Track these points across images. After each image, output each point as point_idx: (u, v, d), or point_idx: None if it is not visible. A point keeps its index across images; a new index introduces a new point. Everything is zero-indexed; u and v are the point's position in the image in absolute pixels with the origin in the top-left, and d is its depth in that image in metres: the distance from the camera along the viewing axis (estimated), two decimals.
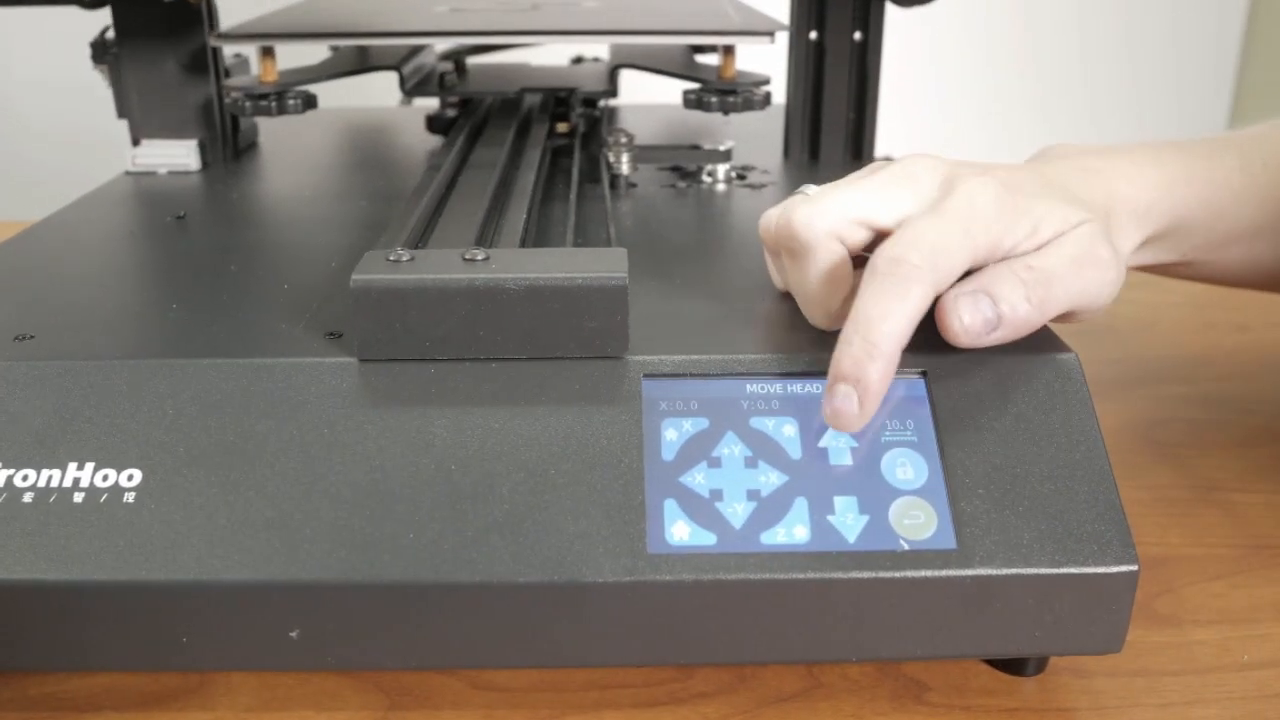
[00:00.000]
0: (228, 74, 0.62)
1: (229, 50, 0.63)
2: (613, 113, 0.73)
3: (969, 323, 0.33)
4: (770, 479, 0.33)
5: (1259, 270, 0.46)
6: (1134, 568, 0.32)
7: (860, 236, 0.35)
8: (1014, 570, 0.31)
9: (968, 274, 0.34)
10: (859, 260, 0.35)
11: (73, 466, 0.32)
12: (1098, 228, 0.36)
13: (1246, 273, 0.46)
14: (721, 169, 0.56)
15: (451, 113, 0.67)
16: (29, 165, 1.42)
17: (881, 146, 0.62)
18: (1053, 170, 0.40)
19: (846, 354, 0.32)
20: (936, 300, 0.34)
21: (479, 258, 0.34)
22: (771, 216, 0.37)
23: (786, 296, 0.39)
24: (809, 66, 0.60)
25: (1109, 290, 0.36)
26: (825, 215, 0.35)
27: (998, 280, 0.34)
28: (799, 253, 0.36)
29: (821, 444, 0.33)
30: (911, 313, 0.32)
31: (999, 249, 0.34)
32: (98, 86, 0.61)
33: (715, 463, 0.33)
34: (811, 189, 0.37)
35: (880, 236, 0.35)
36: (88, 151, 1.05)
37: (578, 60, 0.79)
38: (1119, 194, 0.40)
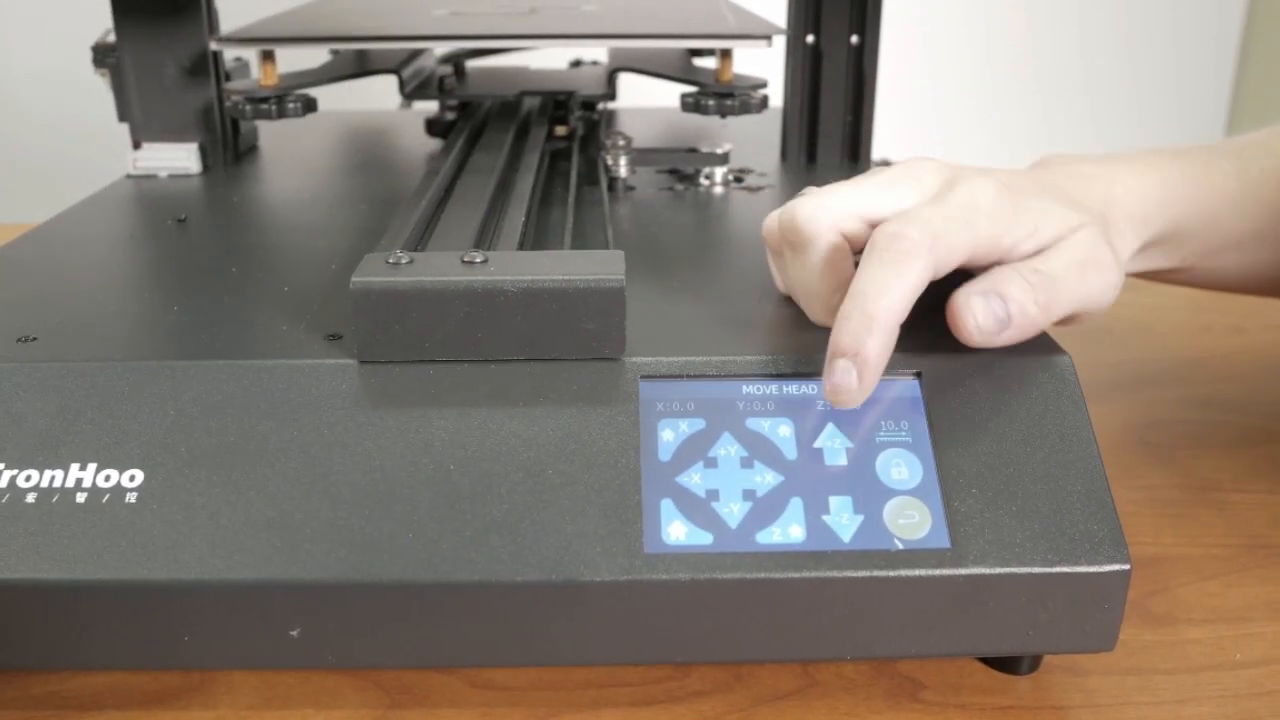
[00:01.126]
0: (228, 77, 0.62)
1: (229, 54, 0.64)
2: (611, 116, 0.74)
3: (982, 321, 0.34)
4: (766, 479, 0.33)
5: (1255, 276, 0.46)
6: (1126, 567, 0.32)
7: (862, 231, 0.36)
8: (1008, 569, 0.32)
9: (968, 276, 0.35)
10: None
11: (75, 467, 0.33)
12: (1097, 230, 0.36)
13: (1242, 279, 0.47)
14: (719, 172, 0.57)
15: (450, 116, 0.67)
16: (30, 166, 1.43)
17: (878, 149, 0.63)
18: (1051, 175, 0.40)
19: (845, 329, 0.32)
20: (948, 300, 0.34)
21: (478, 260, 0.34)
22: (774, 214, 0.38)
23: (786, 300, 0.39)
24: (806, 70, 0.60)
25: (1111, 293, 0.37)
26: (828, 208, 0.35)
27: (1006, 281, 0.34)
28: (801, 245, 0.36)
29: (817, 444, 0.34)
30: (909, 288, 0.33)
31: (998, 245, 0.35)
32: (99, 87, 0.61)
33: (711, 463, 0.33)
34: (812, 188, 0.38)
35: None
36: (89, 152, 1.05)
37: (576, 64, 0.79)
38: (1117, 199, 0.41)
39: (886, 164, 0.67)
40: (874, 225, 0.35)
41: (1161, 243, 0.43)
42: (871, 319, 0.32)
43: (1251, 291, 0.48)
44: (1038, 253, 0.36)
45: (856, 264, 0.36)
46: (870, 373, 0.32)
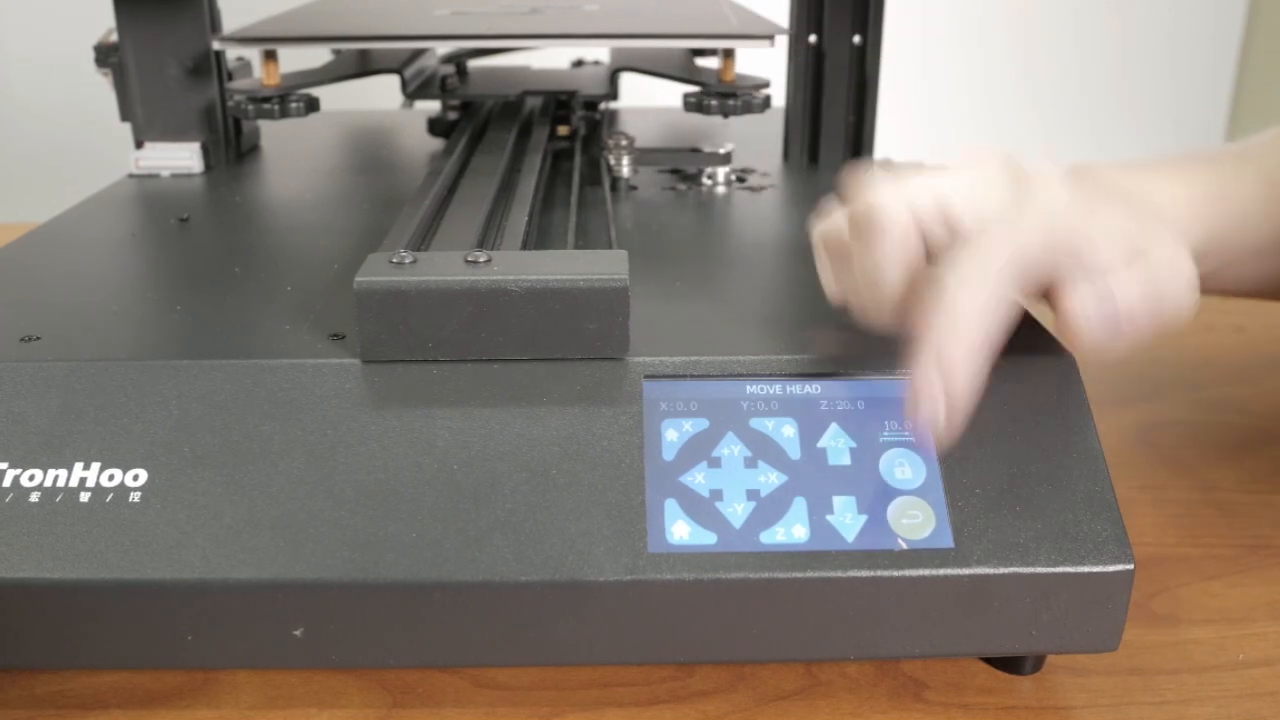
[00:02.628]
0: (230, 77, 0.62)
1: (232, 53, 0.64)
2: (613, 116, 0.74)
3: (1095, 319, 0.32)
4: (770, 479, 0.33)
5: (1270, 283, 0.46)
6: (1129, 567, 0.32)
7: (935, 222, 0.34)
8: (1011, 569, 0.32)
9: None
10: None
11: (79, 466, 0.33)
12: (1177, 243, 0.34)
13: (1258, 286, 0.46)
14: (721, 172, 0.57)
15: (453, 115, 0.67)
16: (32, 166, 1.43)
17: (881, 149, 0.63)
18: (1098, 193, 0.38)
19: (927, 345, 0.31)
20: (1056, 306, 0.32)
21: (481, 260, 0.34)
22: (830, 218, 0.36)
23: (789, 301, 0.39)
24: (808, 70, 0.60)
25: (1186, 304, 0.34)
26: (901, 194, 0.33)
27: (1110, 278, 0.32)
28: (873, 231, 0.34)
29: (820, 444, 0.34)
30: (988, 283, 0.31)
31: (1078, 248, 0.33)
32: (101, 86, 0.61)
33: (715, 463, 0.33)
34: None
35: (950, 235, 0.34)
36: (92, 152, 1.05)
37: (578, 63, 0.79)
38: (1163, 215, 0.39)
39: (889, 164, 0.67)
40: (945, 219, 0.34)
41: (1196, 253, 0.43)
42: (952, 314, 0.31)
43: (1263, 297, 0.48)
44: (1128, 262, 0.33)
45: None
46: (958, 388, 0.31)
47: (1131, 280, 0.32)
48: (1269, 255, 0.44)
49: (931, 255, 0.34)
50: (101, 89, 0.61)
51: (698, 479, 0.33)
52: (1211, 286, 0.46)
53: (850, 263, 0.35)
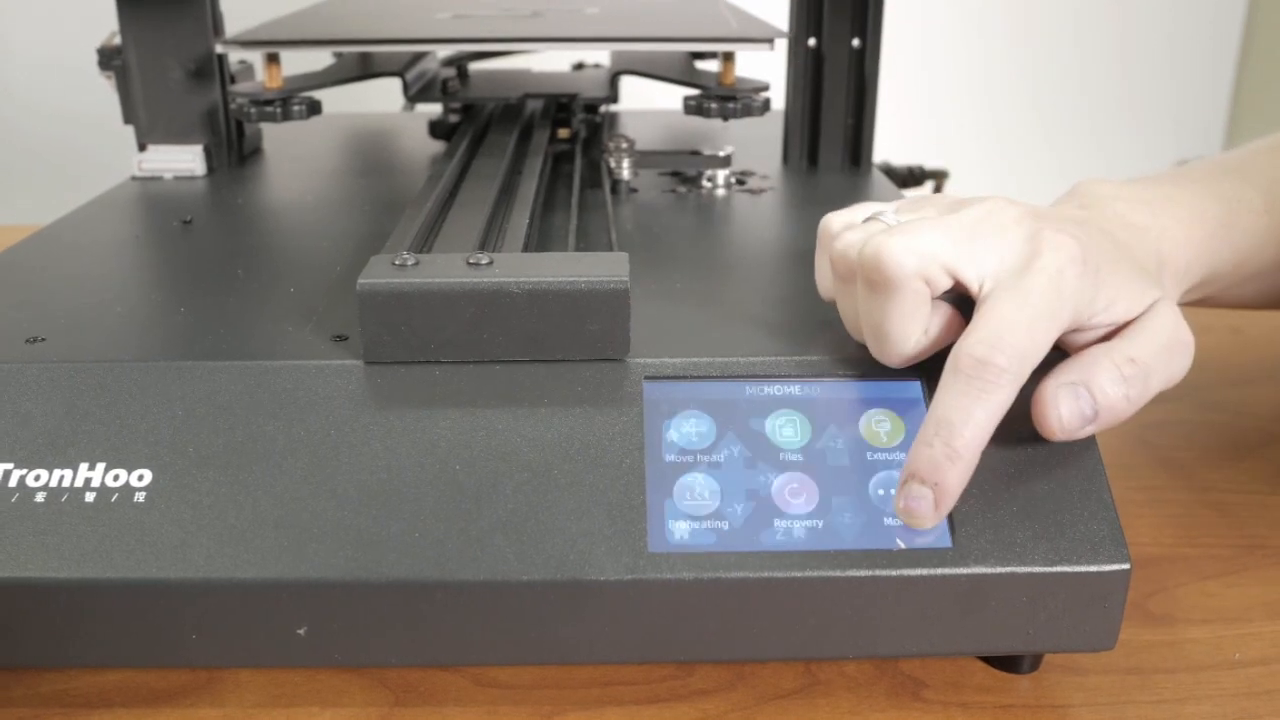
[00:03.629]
0: (233, 80, 0.62)
1: (234, 56, 0.64)
2: (613, 118, 0.74)
3: (1067, 419, 0.33)
4: (769, 479, 0.33)
5: (1268, 300, 0.46)
6: (1126, 566, 0.32)
7: (944, 282, 0.33)
8: (1009, 569, 0.32)
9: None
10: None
11: (84, 467, 0.33)
12: (1169, 305, 0.35)
13: (1251, 302, 0.46)
14: (721, 174, 0.57)
15: (454, 118, 0.68)
16: (35, 168, 1.43)
17: (880, 152, 0.63)
18: (1103, 222, 0.38)
19: (925, 455, 0.32)
20: (1035, 390, 0.33)
21: (483, 262, 0.35)
22: (850, 241, 0.35)
23: (788, 301, 0.39)
24: (808, 73, 0.60)
25: (1184, 373, 0.35)
26: (917, 253, 0.33)
27: (1099, 373, 0.33)
28: (882, 287, 0.33)
29: (820, 445, 0.34)
30: (994, 418, 0.32)
31: (1077, 321, 0.33)
32: (104, 89, 0.62)
33: (715, 463, 0.33)
34: (889, 216, 0.36)
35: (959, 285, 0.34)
36: (94, 154, 1.05)
37: (579, 66, 0.80)
38: (1166, 256, 0.39)
39: (889, 169, 0.67)
40: (954, 278, 0.33)
41: (1196, 288, 0.42)
42: (954, 451, 0.31)
43: (1257, 309, 0.48)
44: (1111, 327, 0.34)
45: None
46: (947, 501, 0.32)
47: (1114, 383, 0.33)
48: (1268, 276, 0.44)
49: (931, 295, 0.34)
50: (104, 92, 0.61)
51: (698, 479, 0.33)
52: (1210, 304, 0.46)
53: (853, 293, 0.35)
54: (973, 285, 0.33)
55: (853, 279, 0.35)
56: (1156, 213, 0.40)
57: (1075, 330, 0.34)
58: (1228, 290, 0.44)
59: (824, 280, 0.37)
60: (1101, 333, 0.34)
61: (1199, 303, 0.45)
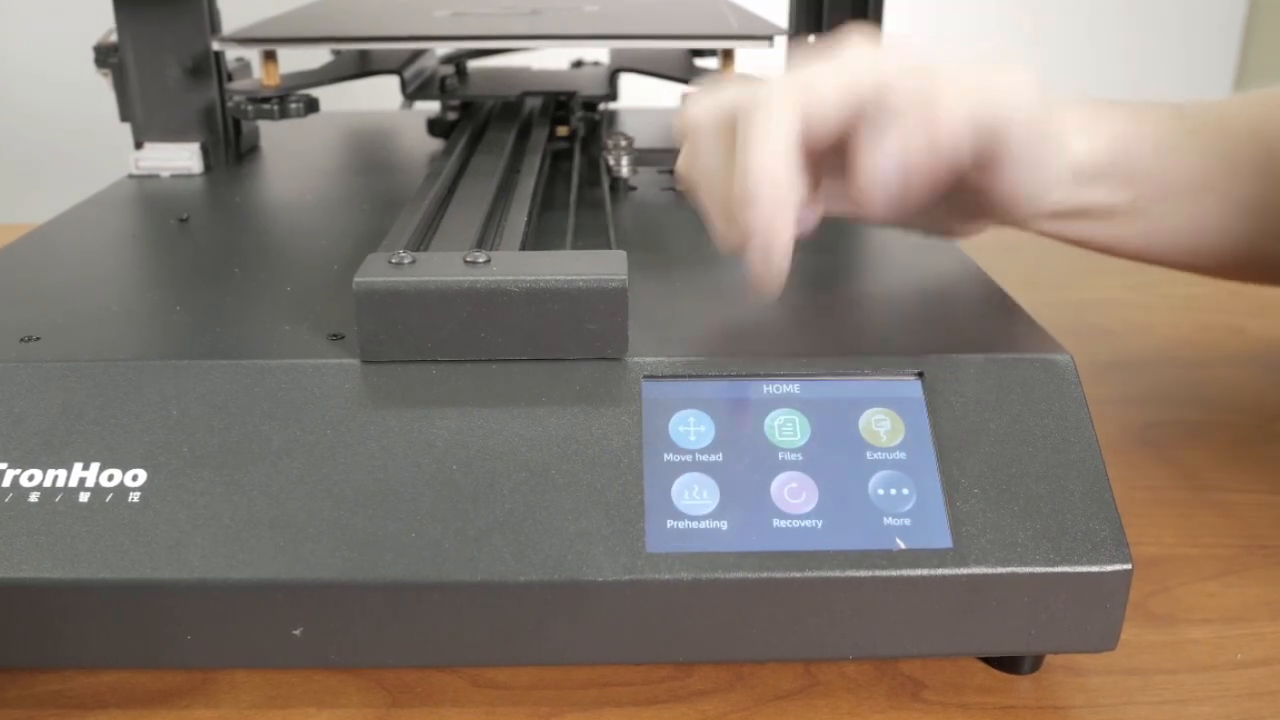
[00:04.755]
0: (230, 78, 0.62)
1: (231, 54, 0.64)
2: (612, 116, 0.74)
3: (874, 168, 0.32)
4: (768, 479, 0.33)
5: (1206, 236, 0.45)
6: (1128, 567, 0.32)
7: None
8: (1009, 569, 0.32)
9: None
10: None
11: (78, 466, 0.33)
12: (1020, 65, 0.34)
13: (1196, 239, 0.45)
14: None
15: (452, 116, 0.67)
16: (32, 166, 1.43)
17: None
18: None
19: (736, 218, 0.31)
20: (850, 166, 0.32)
21: (480, 260, 0.34)
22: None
23: (788, 301, 0.39)
24: None
25: (1024, 97, 0.33)
26: (723, 95, 0.34)
27: (889, 102, 0.32)
28: (695, 138, 0.34)
29: (819, 444, 0.34)
30: (778, 139, 0.31)
31: (893, 88, 0.32)
32: (101, 87, 0.61)
33: (714, 463, 0.33)
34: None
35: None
36: (91, 152, 1.05)
37: (578, 64, 0.79)
38: (1066, 115, 0.39)
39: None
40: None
41: (1110, 174, 0.41)
42: (752, 189, 0.31)
43: (1212, 263, 0.47)
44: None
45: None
46: (777, 249, 0.31)
47: (917, 125, 0.31)
48: (1200, 199, 0.43)
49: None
50: (101, 89, 0.61)
51: (696, 479, 0.33)
52: (1153, 240, 0.45)
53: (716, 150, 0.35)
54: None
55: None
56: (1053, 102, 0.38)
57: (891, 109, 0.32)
58: (1157, 203, 0.43)
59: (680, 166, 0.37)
60: None
61: (1138, 227, 0.44)
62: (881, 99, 0.32)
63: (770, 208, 0.31)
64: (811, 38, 0.60)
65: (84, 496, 0.32)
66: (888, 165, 0.32)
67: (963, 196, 0.37)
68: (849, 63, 0.32)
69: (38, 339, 0.36)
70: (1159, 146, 0.42)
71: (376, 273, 0.34)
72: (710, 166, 0.34)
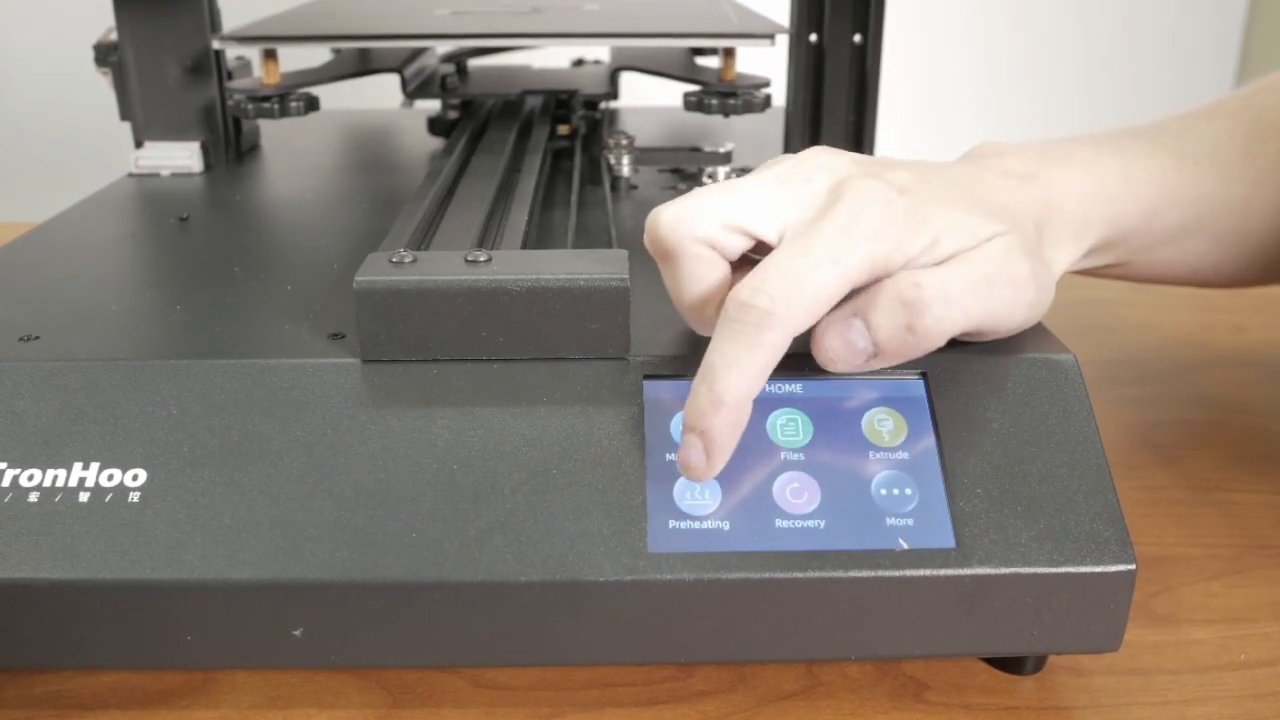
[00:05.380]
0: (230, 76, 0.62)
1: (231, 53, 0.63)
2: (613, 115, 0.74)
3: (835, 353, 0.33)
4: (770, 479, 0.33)
5: (1188, 268, 0.45)
6: (1131, 567, 0.32)
7: (737, 244, 0.33)
8: (1012, 569, 0.32)
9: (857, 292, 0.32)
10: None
11: (78, 466, 0.33)
12: (1014, 241, 0.33)
13: (1177, 271, 0.45)
14: (722, 171, 0.56)
15: (453, 115, 0.67)
16: (31, 165, 1.43)
17: (881, 148, 0.63)
18: (978, 175, 0.37)
19: (692, 405, 0.31)
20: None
21: (481, 259, 0.34)
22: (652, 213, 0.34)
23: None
24: (809, 69, 0.60)
25: (1023, 312, 0.34)
26: (692, 219, 0.32)
27: (875, 305, 0.32)
28: (662, 257, 0.33)
29: (821, 444, 0.34)
30: (760, 363, 0.30)
31: (890, 265, 0.32)
32: (101, 85, 0.61)
33: None
34: (686, 194, 0.34)
35: (764, 246, 0.33)
36: (91, 151, 1.05)
37: (578, 63, 0.79)
38: (1055, 202, 0.37)
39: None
40: (750, 236, 0.33)
41: (1104, 246, 0.41)
42: (718, 398, 0.30)
43: (1185, 283, 0.47)
44: (937, 266, 0.33)
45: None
46: (717, 450, 0.31)
47: (890, 311, 0.32)
48: (1182, 241, 0.43)
49: (744, 262, 0.33)
50: (101, 88, 0.61)
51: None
52: (1132, 274, 0.45)
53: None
54: (771, 239, 0.32)
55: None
56: (1048, 164, 0.38)
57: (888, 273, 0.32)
58: (1141, 254, 0.43)
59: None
60: None
61: (1118, 270, 0.44)
62: (867, 318, 0.32)
63: (733, 417, 0.31)
64: (812, 36, 0.59)
65: (84, 496, 0.32)
66: (856, 361, 0.33)
67: None
68: (853, 248, 0.31)
69: (37, 338, 0.36)
70: (1153, 208, 0.41)
71: (377, 272, 0.34)
72: (685, 302, 0.33)
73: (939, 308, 0.32)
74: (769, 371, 0.31)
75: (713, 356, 0.31)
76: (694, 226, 0.32)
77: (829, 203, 0.32)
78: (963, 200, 0.34)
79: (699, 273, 0.33)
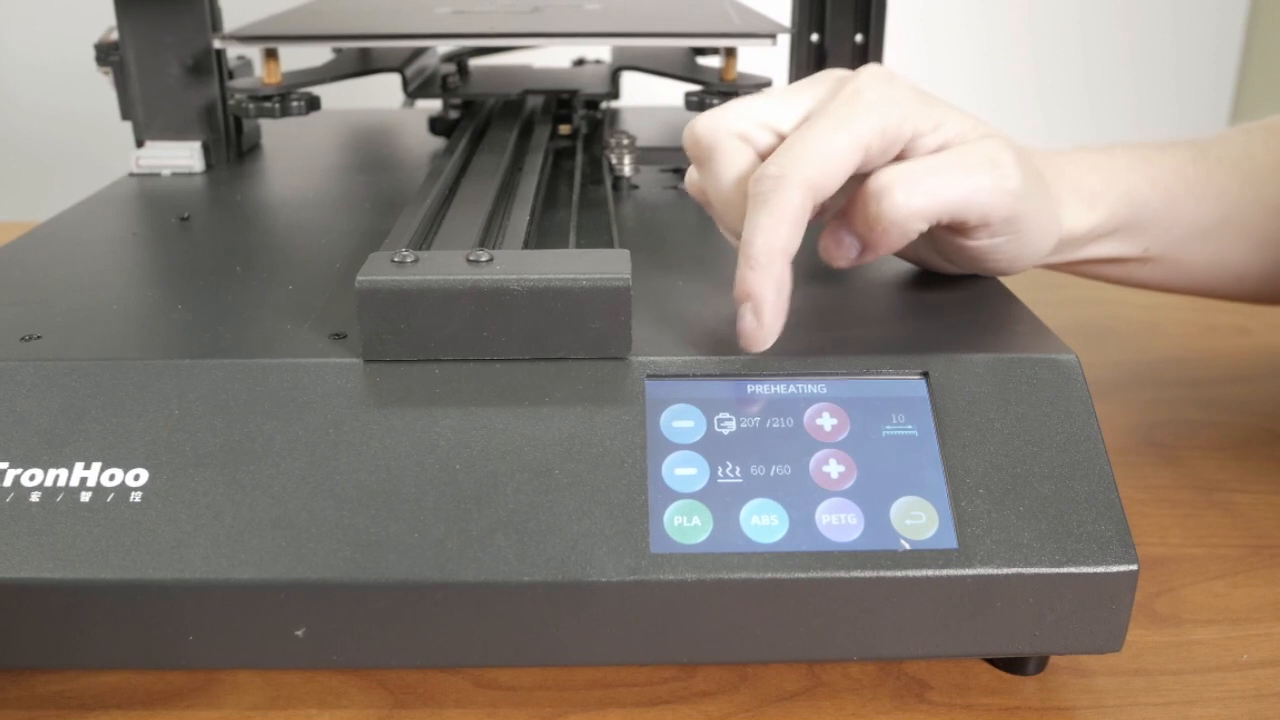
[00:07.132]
0: (231, 76, 0.62)
1: (232, 52, 0.63)
2: (615, 115, 0.74)
3: (829, 251, 0.37)
4: (772, 479, 0.33)
5: (1225, 270, 0.45)
6: (1134, 567, 0.32)
7: (766, 139, 0.36)
8: (1015, 570, 0.32)
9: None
10: None
11: (79, 466, 0.33)
12: (1007, 144, 0.36)
13: (1213, 274, 0.46)
14: None
15: (454, 114, 0.67)
16: (32, 164, 1.43)
17: None
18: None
19: (737, 277, 0.33)
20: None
21: (483, 259, 0.34)
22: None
23: (789, 299, 0.39)
24: (810, 68, 0.60)
25: (1007, 201, 0.36)
26: (728, 117, 0.36)
27: (852, 201, 0.36)
28: (704, 158, 0.36)
29: (823, 444, 0.33)
30: (781, 221, 0.33)
31: (900, 135, 0.35)
32: (101, 85, 0.61)
33: (717, 463, 0.33)
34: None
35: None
36: (92, 150, 1.05)
37: (580, 62, 0.79)
38: (1065, 174, 0.41)
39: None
40: (776, 133, 0.36)
41: (1121, 229, 0.43)
42: (752, 259, 0.33)
43: (1225, 292, 0.48)
44: (940, 150, 0.35)
45: None
46: (766, 309, 0.33)
47: (860, 213, 0.35)
48: (1216, 238, 0.44)
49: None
50: (102, 87, 0.61)
51: (700, 479, 0.33)
52: (1169, 276, 0.45)
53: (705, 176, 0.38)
54: (789, 129, 0.36)
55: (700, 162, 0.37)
56: (1064, 154, 0.42)
57: (899, 148, 0.35)
58: (1171, 248, 0.44)
59: (688, 181, 0.40)
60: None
61: (1152, 268, 0.45)
62: (848, 215, 0.36)
63: (768, 274, 0.33)
64: (814, 36, 0.59)
65: (85, 496, 0.32)
66: (850, 254, 0.37)
67: (950, 252, 0.39)
68: (861, 117, 0.34)
69: (38, 338, 0.36)
70: (1171, 195, 0.43)
71: (379, 271, 0.34)
72: (722, 190, 0.36)
73: (901, 192, 0.34)
74: (795, 229, 0.33)
75: (745, 231, 0.34)
76: (729, 122, 0.36)
77: (838, 88, 0.36)
78: (962, 111, 0.37)
79: (733, 160, 0.36)
